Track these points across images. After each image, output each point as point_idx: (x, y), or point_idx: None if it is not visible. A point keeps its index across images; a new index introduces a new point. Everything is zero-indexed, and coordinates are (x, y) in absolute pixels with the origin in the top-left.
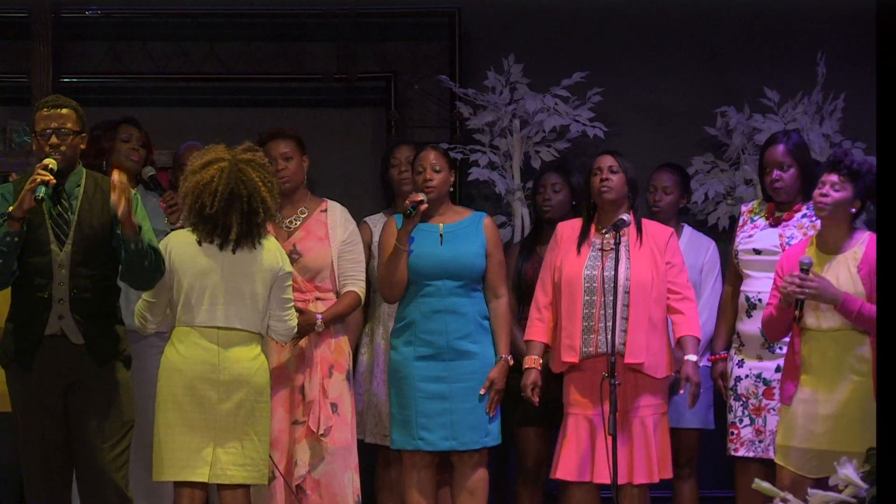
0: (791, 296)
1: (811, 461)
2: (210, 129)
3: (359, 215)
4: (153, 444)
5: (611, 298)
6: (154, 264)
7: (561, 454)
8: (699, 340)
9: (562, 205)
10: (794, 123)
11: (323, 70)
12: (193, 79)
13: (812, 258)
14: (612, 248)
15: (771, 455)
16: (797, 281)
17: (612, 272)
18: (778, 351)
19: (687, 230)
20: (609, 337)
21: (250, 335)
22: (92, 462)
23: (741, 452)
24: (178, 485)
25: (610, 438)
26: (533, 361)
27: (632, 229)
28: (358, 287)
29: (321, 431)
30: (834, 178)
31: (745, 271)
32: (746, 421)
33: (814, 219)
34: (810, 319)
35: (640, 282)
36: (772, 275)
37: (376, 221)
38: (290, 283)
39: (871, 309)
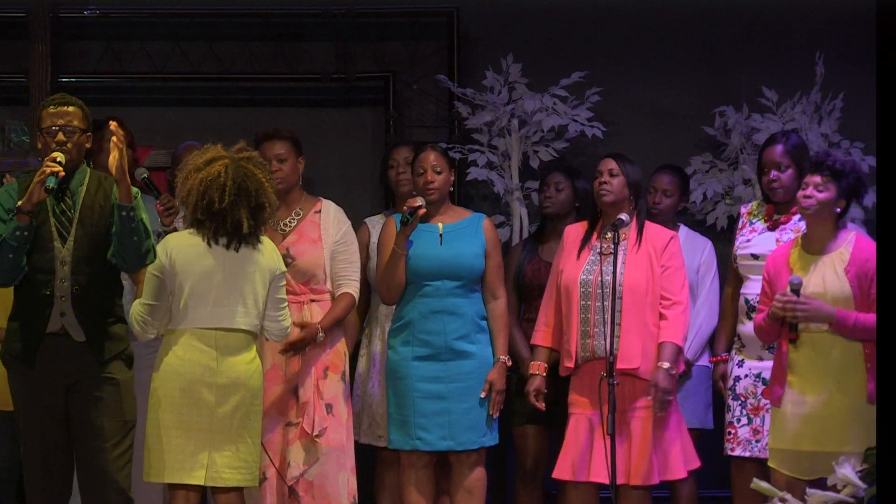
0: (782, 317)
1: (803, 463)
2: (209, 128)
3: (357, 215)
4: (144, 445)
5: (607, 303)
6: (147, 244)
7: (561, 454)
8: (679, 348)
9: (563, 204)
10: (792, 123)
11: (321, 70)
12: (192, 79)
13: (801, 277)
14: (610, 253)
15: (767, 456)
16: (789, 305)
17: (608, 277)
18: None
19: (683, 230)
20: (606, 339)
21: (247, 337)
22: (93, 462)
23: (737, 452)
24: (174, 487)
25: (608, 438)
26: (537, 367)
27: (631, 232)
28: (352, 288)
29: (316, 433)
30: (817, 178)
31: (745, 275)
32: (744, 420)
33: None
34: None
35: (632, 286)
36: None
37: (375, 223)
38: (284, 283)
39: (867, 319)
